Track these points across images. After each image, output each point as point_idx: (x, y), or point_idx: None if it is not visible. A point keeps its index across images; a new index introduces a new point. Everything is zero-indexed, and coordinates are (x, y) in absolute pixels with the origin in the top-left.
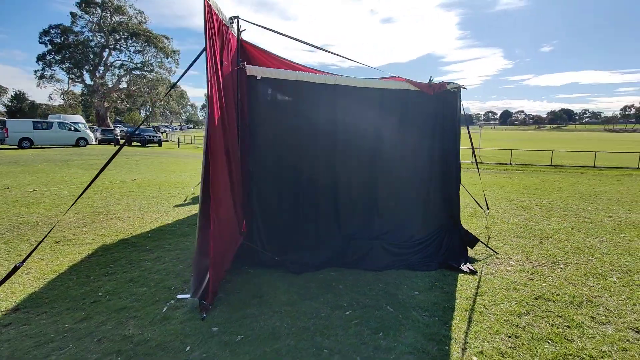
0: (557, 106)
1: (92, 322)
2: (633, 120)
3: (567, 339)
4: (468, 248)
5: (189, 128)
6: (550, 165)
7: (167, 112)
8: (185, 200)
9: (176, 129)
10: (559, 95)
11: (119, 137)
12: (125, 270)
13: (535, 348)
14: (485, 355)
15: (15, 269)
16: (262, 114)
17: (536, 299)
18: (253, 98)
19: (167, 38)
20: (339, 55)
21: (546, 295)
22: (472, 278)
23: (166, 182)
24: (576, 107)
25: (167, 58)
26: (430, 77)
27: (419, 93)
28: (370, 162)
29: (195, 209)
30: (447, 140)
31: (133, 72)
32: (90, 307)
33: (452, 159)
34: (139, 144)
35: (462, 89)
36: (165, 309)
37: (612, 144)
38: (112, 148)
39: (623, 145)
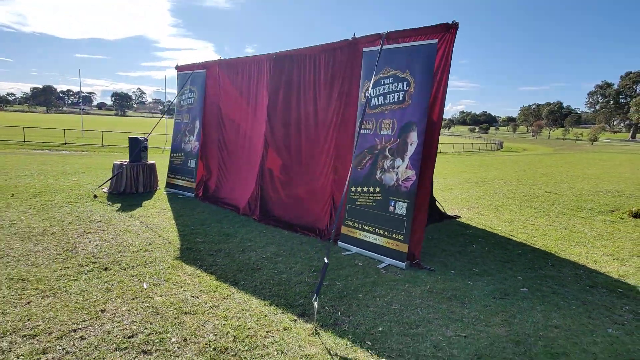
0: None
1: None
2: None
3: (538, 233)
4: None
5: None
6: None
7: None
8: (112, 203)
9: None
10: None
11: None
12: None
13: (537, 236)
14: (550, 238)
15: (326, 265)
16: None
17: (505, 222)
18: None
19: None
20: None
21: (503, 220)
22: (463, 221)
23: (27, 187)
24: None
25: None
26: None
27: None
28: None
29: (148, 207)
30: None
31: None
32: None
33: None
34: None
35: None
36: (401, 276)
37: None
38: None
39: None
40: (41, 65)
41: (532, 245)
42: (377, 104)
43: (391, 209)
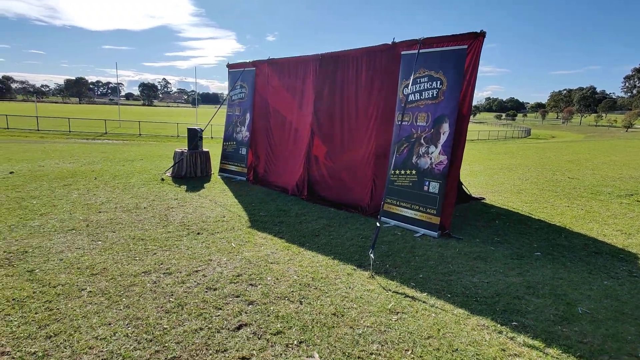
0: None
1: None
2: None
3: (556, 212)
4: None
5: None
6: None
7: None
8: (179, 188)
9: None
10: None
11: None
12: (336, 235)
13: (554, 215)
14: (567, 216)
15: (379, 228)
16: None
17: (526, 203)
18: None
19: None
20: None
21: (524, 201)
22: (487, 202)
23: (81, 171)
24: None
25: None
26: None
27: None
28: None
29: (214, 190)
30: None
31: None
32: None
33: None
34: None
35: None
36: (432, 243)
37: None
38: None
39: None
40: (71, 57)
41: (549, 222)
42: (413, 99)
43: (425, 188)
